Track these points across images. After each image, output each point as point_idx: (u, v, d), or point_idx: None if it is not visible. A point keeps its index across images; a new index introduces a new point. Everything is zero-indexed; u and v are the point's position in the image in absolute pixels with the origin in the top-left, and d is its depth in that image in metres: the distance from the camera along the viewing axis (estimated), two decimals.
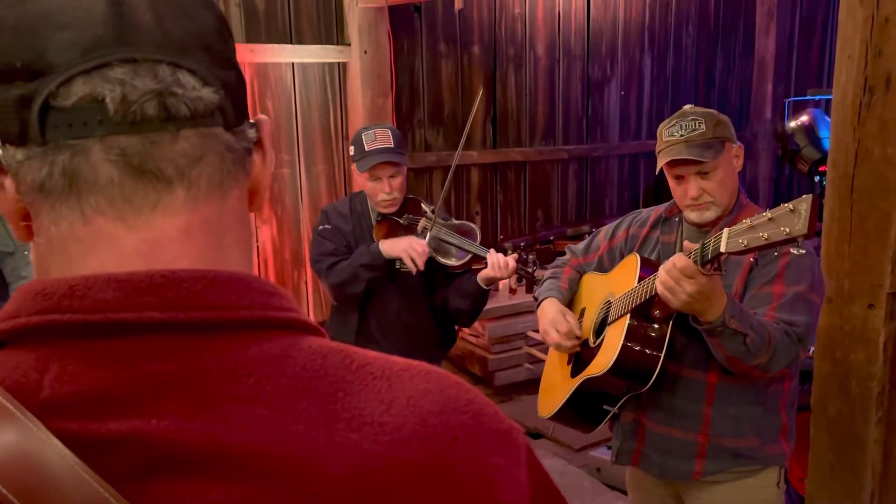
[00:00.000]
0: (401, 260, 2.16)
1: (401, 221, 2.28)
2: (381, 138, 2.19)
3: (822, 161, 4.10)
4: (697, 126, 1.62)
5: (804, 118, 4.38)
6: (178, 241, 0.47)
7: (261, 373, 0.45)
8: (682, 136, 1.63)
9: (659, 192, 4.78)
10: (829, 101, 2.11)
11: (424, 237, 2.22)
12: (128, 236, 0.46)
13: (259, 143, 0.53)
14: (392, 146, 2.19)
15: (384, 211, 2.26)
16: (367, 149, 2.17)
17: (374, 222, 2.30)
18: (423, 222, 2.27)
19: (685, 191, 1.66)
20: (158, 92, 0.45)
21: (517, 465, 0.50)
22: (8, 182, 0.47)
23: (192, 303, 0.45)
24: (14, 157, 0.46)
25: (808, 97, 5.05)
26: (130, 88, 0.44)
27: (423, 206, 2.34)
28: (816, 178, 4.33)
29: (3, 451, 0.40)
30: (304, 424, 0.44)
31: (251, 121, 0.53)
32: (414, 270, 2.15)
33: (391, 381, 0.48)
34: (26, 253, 2.40)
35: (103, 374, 0.43)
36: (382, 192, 2.20)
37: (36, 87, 0.44)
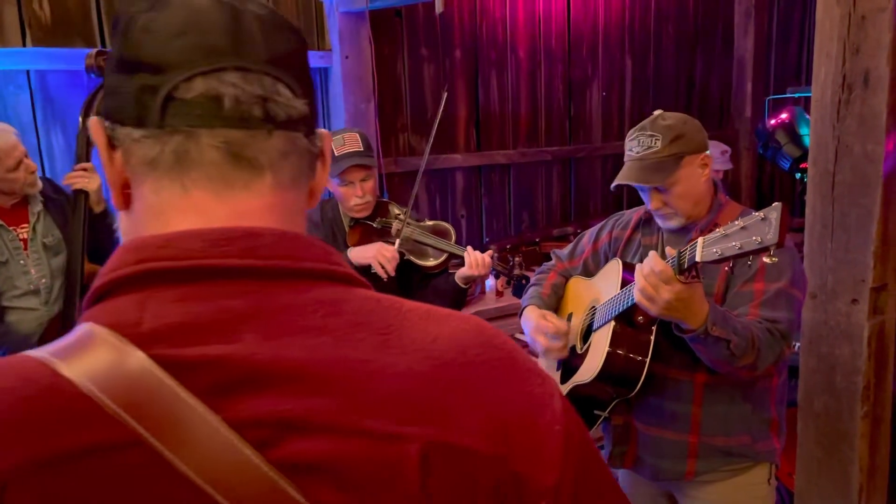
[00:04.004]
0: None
1: (374, 225, 2.26)
2: (349, 142, 2.17)
3: (804, 158, 4.14)
4: (653, 143, 1.63)
5: (784, 116, 4.42)
6: (259, 215, 0.56)
7: (325, 310, 0.53)
8: (637, 153, 1.65)
9: None
10: (808, 98, 2.13)
11: (398, 239, 2.21)
12: (218, 207, 0.55)
13: (321, 153, 0.62)
14: (361, 149, 2.16)
15: (357, 216, 2.24)
16: (336, 154, 2.14)
17: (346, 228, 2.27)
18: (396, 224, 2.25)
19: (648, 201, 1.70)
20: (263, 97, 0.54)
21: (551, 396, 0.57)
22: (117, 156, 0.56)
23: (266, 252, 0.53)
24: (130, 136, 0.54)
25: (788, 95, 5.10)
26: (241, 91, 0.53)
27: (394, 208, 2.32)
28: (798, 176, 4.37)
29: (109, 372, 0.48)
30: (363, 350, 0.52)
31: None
32: (385, 277, 2.12)
33: (435, 321, 0.56)
34: (22, 262, 2.36)
35: (191, 310, 0.51)
36: (355, 196, 2.17)
37: (162, 79, 0.52)
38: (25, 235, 2.38)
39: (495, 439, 0.53)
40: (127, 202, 0.57)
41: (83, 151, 2.29)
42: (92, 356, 0.49)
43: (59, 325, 2.31)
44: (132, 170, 0.55)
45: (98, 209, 2.38)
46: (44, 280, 2.39)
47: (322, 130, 0.62)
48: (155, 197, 0.55)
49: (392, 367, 0.52)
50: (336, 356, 0.51)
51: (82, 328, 0.51)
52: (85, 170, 2.27)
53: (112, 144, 0.56)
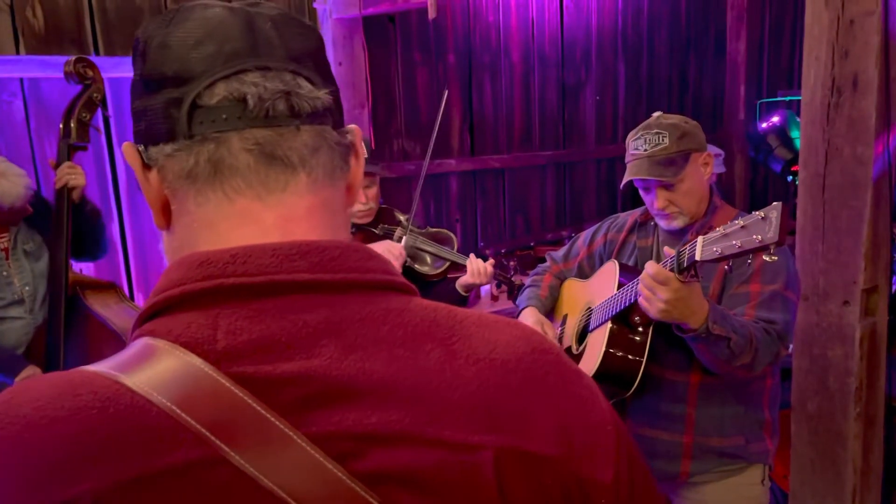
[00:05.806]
0: None
1: (376, 232, 2.27)
2: None
3: (795, 161, 4.16)
4: (661, 140, 1.64)
5: (776, 119, 4.45)
6: (305, 219, 0.56)
7: (392, 321, 0.54)
8: (646, 150, 1.66)
9: (637, 194, 4.80)
10: (799, 101, 2.14)
11: (405, 236, 2.21)
12: (266, 213, 0.55)
13: (353, 147, 0.62)
14: (365, 156, 2.17)
15: (359, 222, 2.24)
16: None
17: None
18: (398, 231, 2.26)
19: (652, 201, 1.69)
20: (286, 92, 0.54)
21: (597, 395, 0.60)
22: (152, 175, 0.56)
23: (333, 266, 0.54)
24: (162, 152, 0.54)
25: (779, 98, 5.13)
26: (263, 89, 0.54)
27: (397, 215, 2.33)
28: (789, 178, 4.39)
29: (188, 390, 0.48)
30: (434, 361, 0.53)
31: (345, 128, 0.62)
32: None
33: (489, 329, 0.57)
34: (4, 273, 2.34)
35: (268, 326, 0.51)
36: (358, 202, 2.19)
37: (186, 90, 0.53)
38: (6, 245, 2.34)
39: (557, 441, 0.55)
40: (168, 220, 0.57)
41: (64, 159, 2.28)
42: (165, 373, 0.49)
43: (45, 334, 2.28)
44: (171, 186, 0.55)
45: (78, 200, 2.30)
46: (27, 287, 2.37)
47: (351, 125, 0.62)
48: (200, 210, 0.55)
49: (461, 377, 0.53)
50: (411, 368, 0.52)
51: (145, 343, 0.51)
52: (71, 167, 2.24)
53: (147, 166, 0.56)
